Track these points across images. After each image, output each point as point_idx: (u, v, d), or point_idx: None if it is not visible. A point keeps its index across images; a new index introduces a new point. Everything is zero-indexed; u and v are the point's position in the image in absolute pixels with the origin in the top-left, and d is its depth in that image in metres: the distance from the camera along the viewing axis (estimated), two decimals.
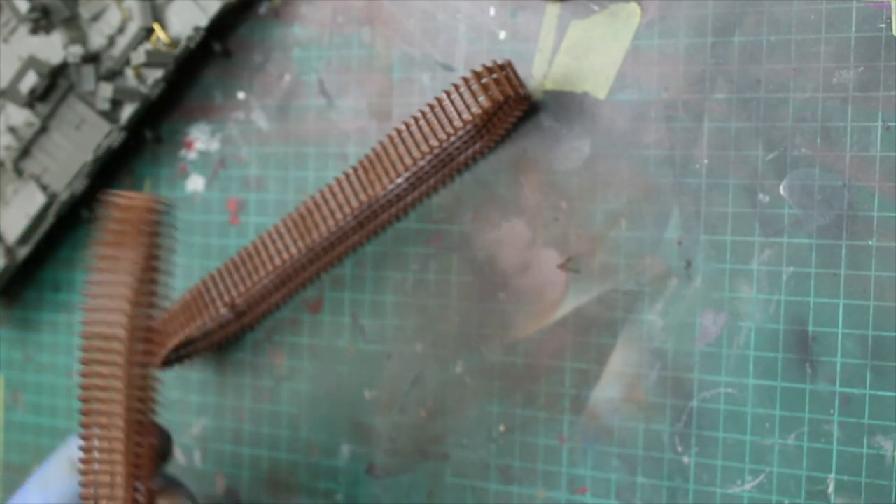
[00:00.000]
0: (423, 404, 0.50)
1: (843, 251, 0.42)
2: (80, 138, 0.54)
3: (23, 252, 0.56)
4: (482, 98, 0.44)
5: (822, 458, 0.42)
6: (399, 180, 0.49)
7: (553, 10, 0.47)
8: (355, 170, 0.46)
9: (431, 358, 0.50)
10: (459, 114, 0.44)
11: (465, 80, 0.44)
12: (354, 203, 0.46)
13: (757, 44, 0.43)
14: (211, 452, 0.55)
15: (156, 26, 0.52)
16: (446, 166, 0.49)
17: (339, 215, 0.46)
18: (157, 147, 0.56)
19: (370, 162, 0.46)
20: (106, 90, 0.52)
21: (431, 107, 0.44)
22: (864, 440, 0.41)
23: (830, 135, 0.42)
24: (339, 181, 0.46)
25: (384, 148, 0.45)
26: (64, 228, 0.59)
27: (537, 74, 0.47)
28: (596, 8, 0.46)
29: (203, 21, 0.52)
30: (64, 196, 0.55)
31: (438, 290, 0.50)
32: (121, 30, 0.53)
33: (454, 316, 0.49)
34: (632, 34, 0.45)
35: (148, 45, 0.52)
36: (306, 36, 0.52)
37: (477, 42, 0.48)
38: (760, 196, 0.43)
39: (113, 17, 0.53)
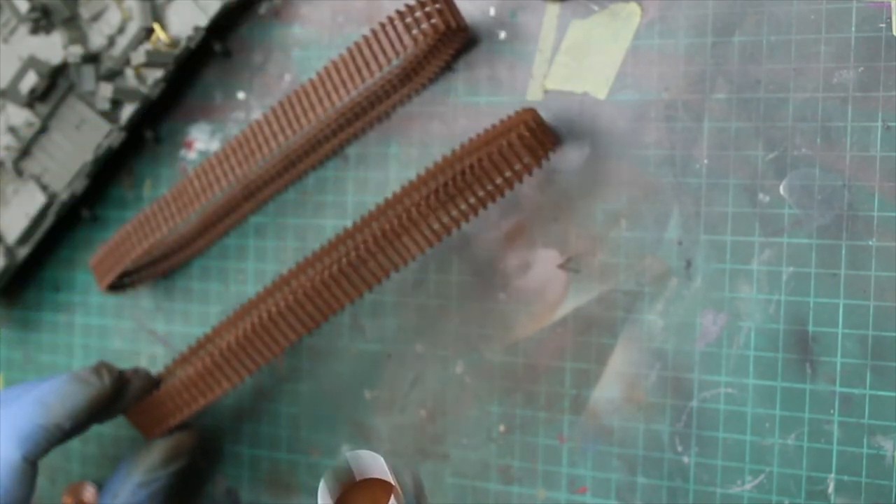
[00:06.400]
0: (423, 404, 0.50)
1: (843, 251, 0.42)
2: (80, 138, 0.54)
3: (23, 252, 0.56)
4: (424, 26, 0.44)
5: (822, 458, 0.42)
6: (332, 111, 0.50)
7: (553, 10, 0.47)
8: (282, 105, 0.47)
9: (431, 358, 0.50)
10: (393, 45, 0.44)
11: (400, 13, 0.44)
12: (281, 138, 0.46)
13: (757, 44, 0.43)
14: (210, 452, 0.55)
15: (156, 26, 0.52)
16: (375, 108, 0.49)
17: (265, 150, 0.47)
18: (156, 147, 0.56)
19: (301, 96, 0.46)
20: (106, 90, 0.52)
21: (366, 39, 0.45)
22: (864, 440, 0.41)
23: (830, 135, 0.42)
24: (267, 114, 0.47)
25: (320, 79, 0.46)
26: (64, 228, 0.59)
27: (537, 74, 0.47)
28: (596, 8, 0.46)
29: (203, 21, 0.52)
30: (64, 196, 0.55)
31: (438, 290, 0.50)
32: (121, 30, 0.53)
33: (454, 316, 0.49)
34: (632, 34, 0.45)
35: (148, 45, 0.52)
36: (306, 36, 0.52)
37: (477, 42, 0.48)
38: (760, 196, 0.43)
39: (113, 17, 0.53)
